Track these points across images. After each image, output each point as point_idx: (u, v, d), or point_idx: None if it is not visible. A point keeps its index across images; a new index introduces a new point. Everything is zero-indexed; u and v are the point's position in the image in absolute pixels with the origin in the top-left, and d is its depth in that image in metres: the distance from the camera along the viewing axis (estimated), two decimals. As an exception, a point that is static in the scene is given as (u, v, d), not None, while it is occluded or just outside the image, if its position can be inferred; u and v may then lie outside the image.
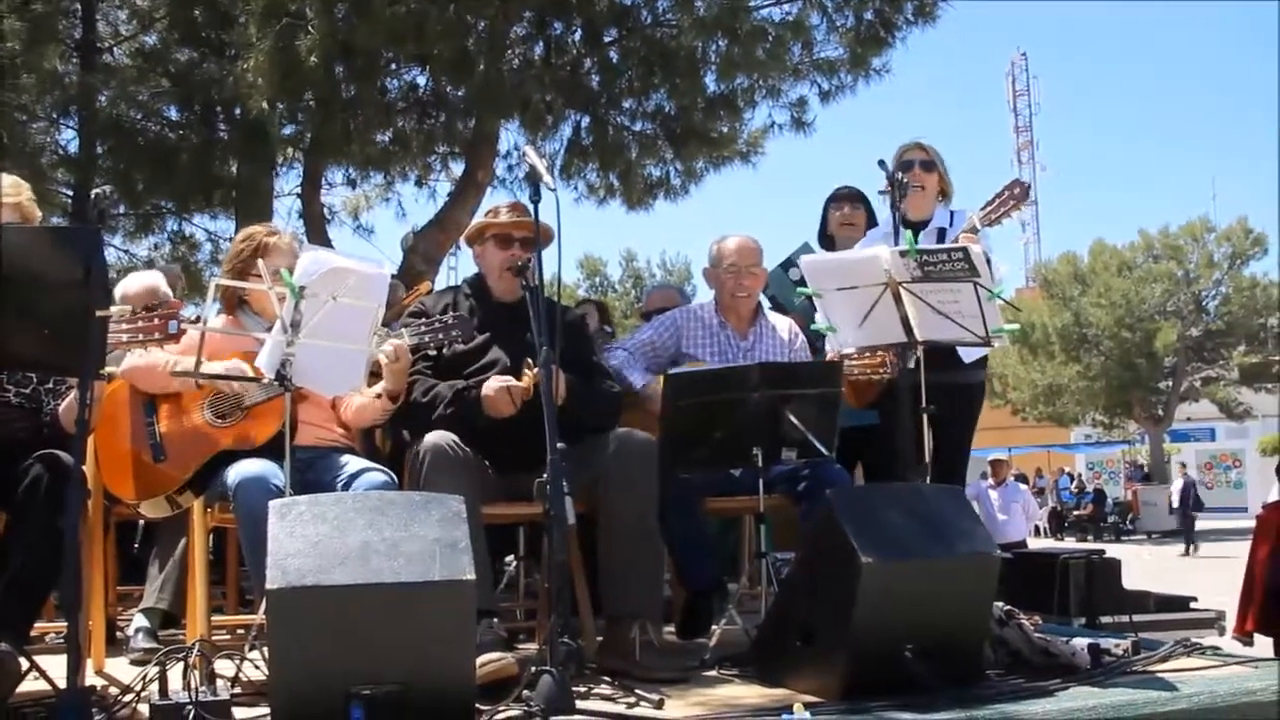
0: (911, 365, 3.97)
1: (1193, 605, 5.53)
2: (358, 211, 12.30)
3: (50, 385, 3.61)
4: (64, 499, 3.09)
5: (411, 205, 11.73)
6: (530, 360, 3.58)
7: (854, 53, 9.63)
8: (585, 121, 9.95)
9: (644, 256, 39.30)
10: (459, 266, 15.09)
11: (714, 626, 4.13)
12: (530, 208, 3.58)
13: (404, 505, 2.75)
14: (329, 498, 2.83)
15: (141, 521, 5.02)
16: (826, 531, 3.36)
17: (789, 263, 5.27)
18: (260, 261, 3.70)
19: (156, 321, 3.30)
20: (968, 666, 3.36)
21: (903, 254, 3.86)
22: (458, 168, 10.41)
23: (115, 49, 10.88)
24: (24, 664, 3.03)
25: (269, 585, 2.57)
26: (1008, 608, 3.74)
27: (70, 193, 10.44)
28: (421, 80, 9.77)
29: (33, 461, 3.22)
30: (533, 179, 3.31)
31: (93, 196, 3.14)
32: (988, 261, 3.88)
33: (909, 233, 3.95)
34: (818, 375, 4.13)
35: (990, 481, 13.08)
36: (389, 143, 9.61)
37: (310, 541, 2.61)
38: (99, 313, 2.95)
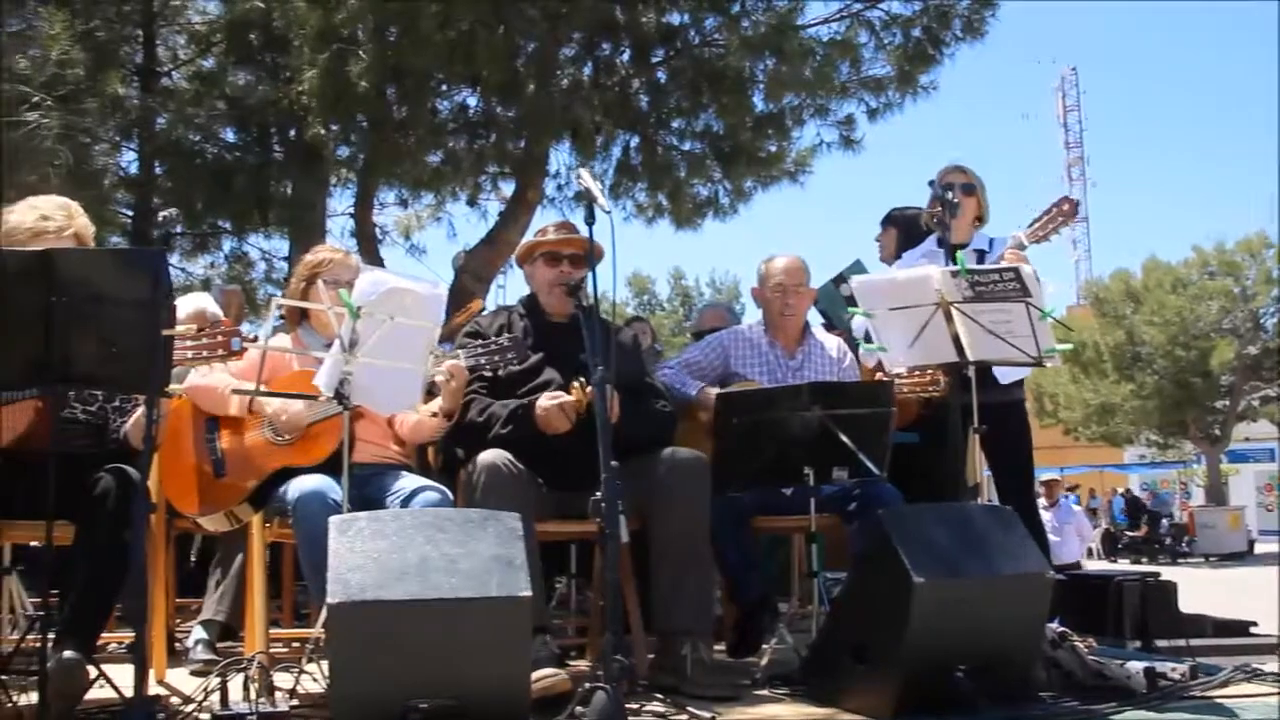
0: (962, 385, 3.98)
1: (1253, 630, 5.46)
2: (409, 231, 12.40)
3: (116, 404, 3.70)
4: (130, 512, 3.18)
5: (462, 225, 11.87)
6: (583, 378, 3.62)
7: (902, 70, 9.60)
8: (634, 141, 9.97)
9: (692, 275, 39.40)
10: (507, 285, 15.19)
11: (764, 645, 4.14)
12: (579, 225, 3.63)
13: (462, 522, 2.80)
14: (388, 514, 2.88)
15: (197, 535, 5.12)
16: (879, 551, 3.37)
17: (840, 278, 5.29)
18: (320, 282, 3.77)
19: (220, 339, 3.39)
20: (1020, 687, 3.36)
21: (954, 274, 3.87)
22: (508, 187, 10.46)
23: (174, 73, 11.09)
24: (92, 672, 3.10)
25: (330, 599, 2.62)
26: (1061, 629, 3.73)
27: (130, 213, 10.64)
28: (472, 101, 9.84)
29: (101, 475, 3.30)
30: (587, 201, 3.36)
31: (159, 218, 3.22)
32: (1037, 280, 3.88)
33: (960, 253, 3.96)
34: (869, 394, 4.14)
35: (1043, 502, 12.96)
36: (440, 163, 9.67)
37: (370, 556, 2.67)
38: (165, 332, 3.04)
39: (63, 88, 9.32)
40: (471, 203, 11.03)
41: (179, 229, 11.09)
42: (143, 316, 2.98)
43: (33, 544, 3.96)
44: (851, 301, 4.61)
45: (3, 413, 3.49)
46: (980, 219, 4.79)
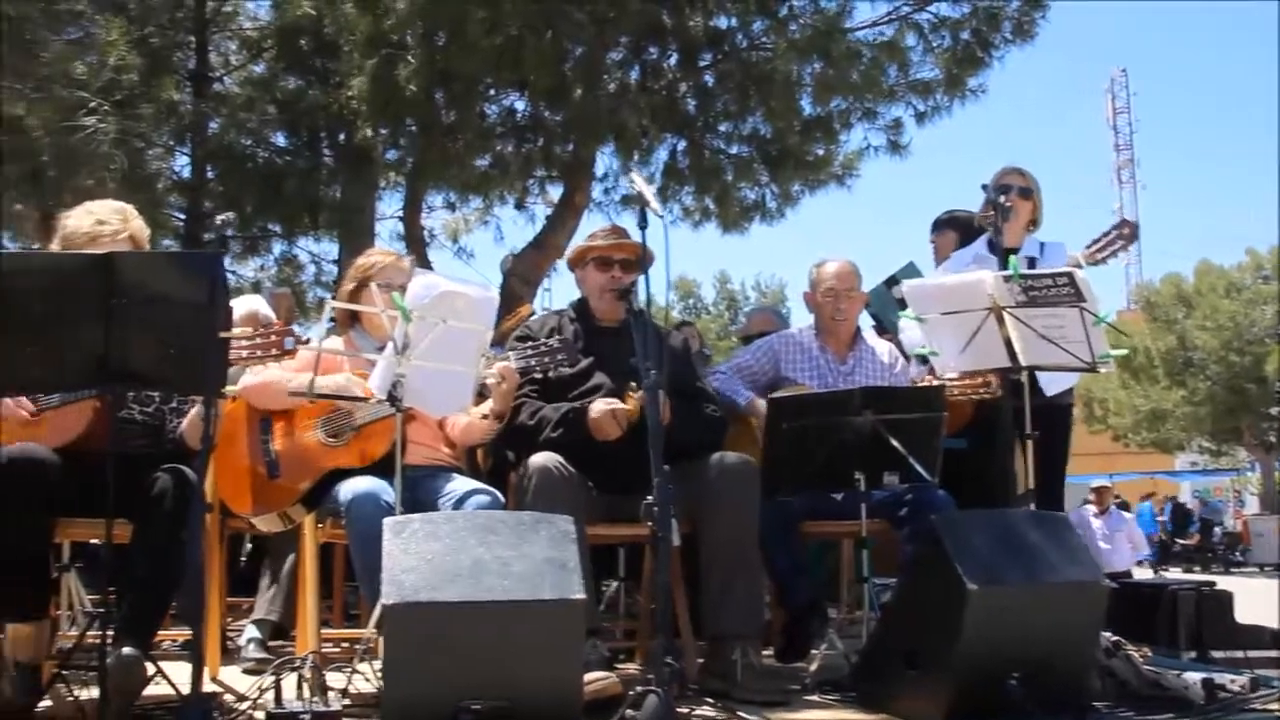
0: (1012, 390, 3.95)
1: (1314, 643, 5.36)
2: (457, 234, 12.48)
3: (173, 404, 3.75)
4: (187, 512, 3.22)
5: (510, 228, 11.88)
6: (634, 383, 3.63)
7: (950, 73, 9.54)
8: (681, 145, 9.98)
9: (738, 279, 39.29)
10: (553, 289, 15.24)
11: (813, 650, 4.12)
12: (629, 230, 3.64)
13: (515, 524, 2.81)
14: (442, 516, 2.90)
15: (248, 535, 5.17)
16: (931, 557, 3.36)
17: (893, 280, 5.26)
18: (374, 285, 3.80)
19: (273, 338, 3.43)
20: (1074, 696, 3.32)
21: (1007, 279, 3.85)
22: (555, 191, 10.52)
23: (226, 78, 11.24)
24: (150, 668, 3.14)
25: (385, 600, 2.64)
26: (1115, 638, 3.68)
27: (182, 216, 10.79)
28: (520, 105, 9.89)
29: (158, 475, 3.35)
30: (640, 205, 3.36)
31: (216, 221, 3.27)
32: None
33: (1014, 257, 3.93)
34: (921, 399, 4.11)
35: (1094, 509, 12.80)
36: (488, 167, 9.73)
37: (424, 558, 2.68)
38: (221, 334, 3.08)
39: (119, 93, 9.48)
40: (519, 206, 11.09)
41: (230, 232, 11.23)
42: (200, 318, 3.02)
43: (93, 542, 4.01)
44: (905, 304, 4.60)
45: (62, 413, 3.56)
46: (1034, 223, 4.75)
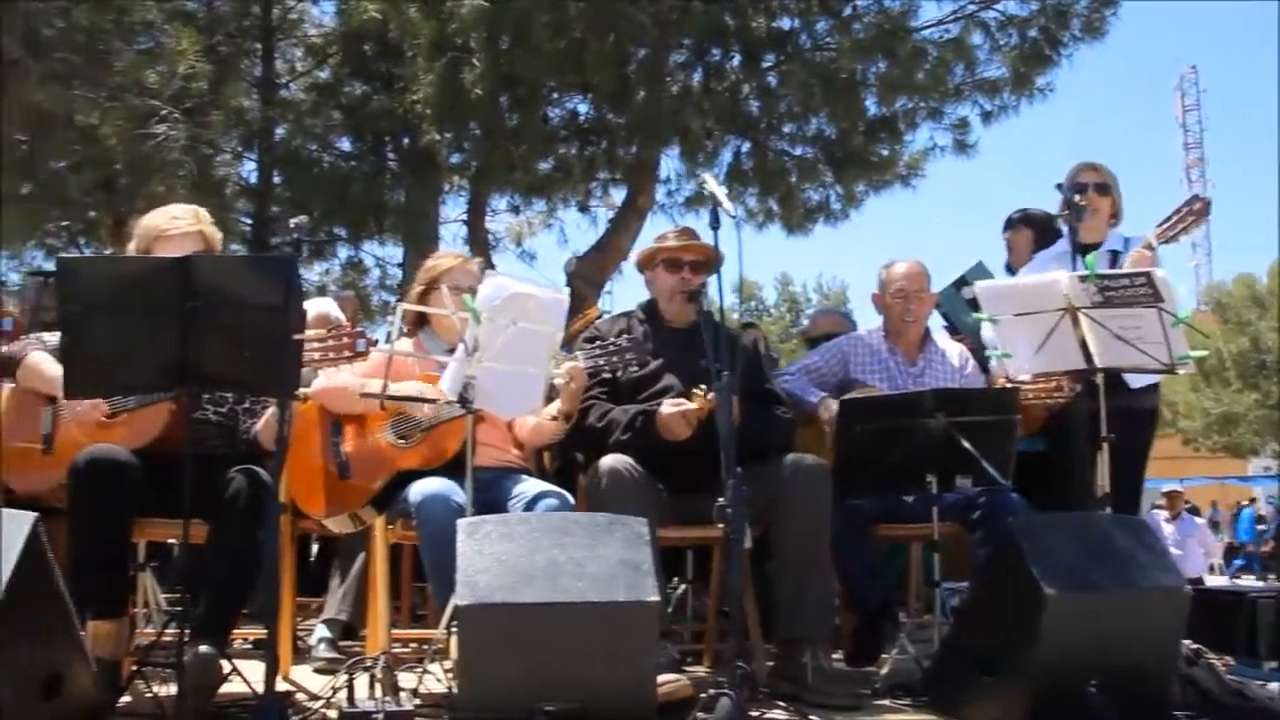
0: (1088, 391, 3.88)
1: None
2: (521, 237, 12.52)
3: (246, 405, 3.79)
4: (261, 512, 3.26)
5: (573, 231, 11.85)
6: (703, 384, 3.61)
7: (1017, 72, 9.42)
8: (745, 147, 9.94)
9: (799, 280, 39.13)
10: (614, 292, 15.24)
11: (884, 654, 4.08)
12: (699, 232, 3.62)
13: (588, 526, 2.81)
14: (515, 517, 2.90)
15: (315, 536, 5.22)
16: (1006, 561, 3.31)
17: (962, 281, 5.20)
18: (445, 287, 3.82)
19: (345, 340, 3.46)
20: (1155, 705, 3.26)
21: (1082, 279, 3.78)
22: (618, 194, 10.53)
23: (291, 85, 11.37)
24: (225, 667, 3.18)
25: (459, 601, 2.65)
26: (1195, 646, 3.60)
27: (250, 221, 10.93)
28: (583, 108, 9.91)
29: (233, 476, 3.39)
30: (712, 205, 3.35)
31: (291, 225, 3.31)
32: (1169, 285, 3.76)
33: (1089, 257, 3.87)
34: (994, 401, 4.06)
35: (1165, 514, 12.55)
36: (551, 169, 9.78)
37: (498, 559, 2.69)
38: (295, 336, 3.11)
39: (189, 101, 9.64)
40: (582, 209, 11.10)
41: (297, 236, 11.36)
42: (274, 321, 3.06)
43: (170, 541, 4.07)
44: (974, 305, 4.53)
45: (139, 415, 3.61)
46: (1116, 216, 4.66)
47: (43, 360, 3.70)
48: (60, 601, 2.86)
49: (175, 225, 3.65)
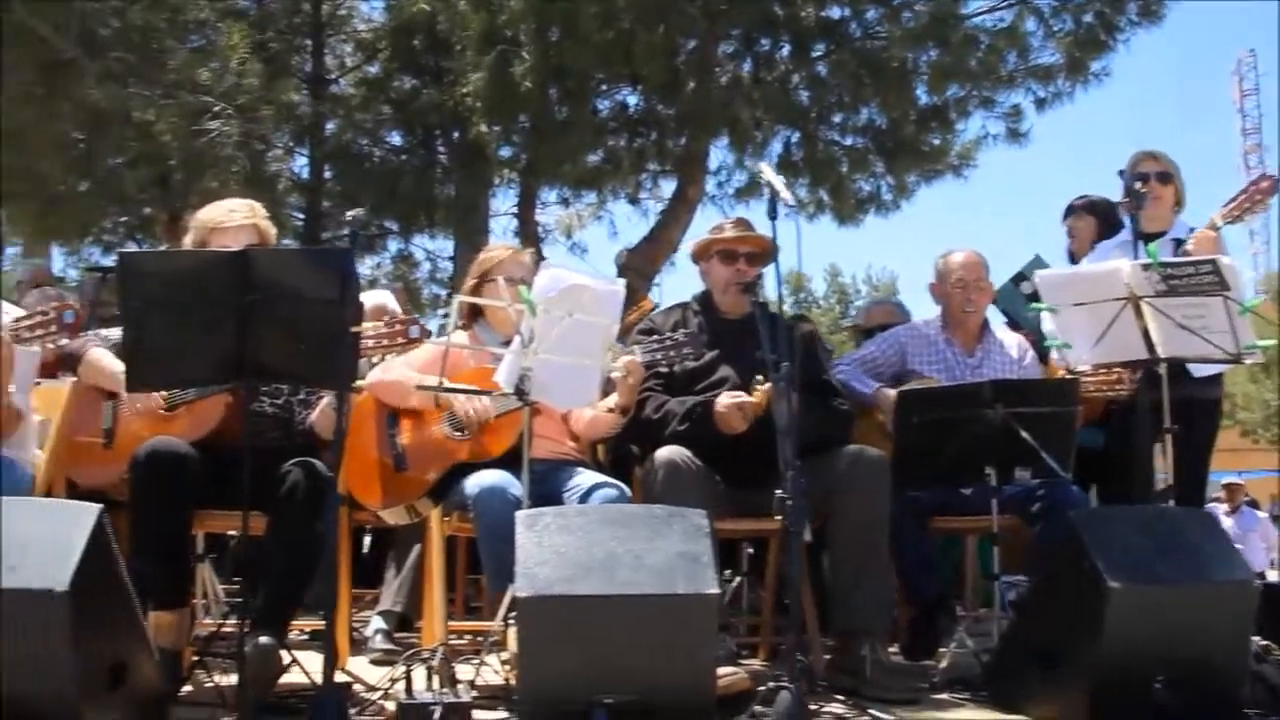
0: (1151, 382, 3.81)
1: None
2: (571, 230, 12.56)
3: (301, 396, 3.81)
4: (319, 504, 3.28)
5: (623, 223, 11.90)
6: (761, 376, 3.59)
7: (1072, 58, 9.28)
8: (795, 137, 9.89)
9: (848, 271, 38.92)
10: (663, 284, 15.23)
11: (942, 648, 4.04)
12: (754, 222, 3.59)
13: (647, 518, 2.80)
14: (573, 509, 2.90)
15: (368, 528, 5.24)
16: (1069, 554, 3.26)
17: (1020, 276, 5.13)
18: (501, 279, 3.82)
19: (399, 328, 3.47)
20: (1224, 702, 3.19)
21: (1145, 267, 3.71)
22: (668, 186, 10.53)
23: (341, 80, 11.46)
24: (285, 657, 3.20)
25: (518, 593, 2.65)
26: (1264, 642, 3.53)
27: (302, 216, 11.03)
28: (632, 100, 9.92)
29: (290, 468, 3.41)
30: (770, 195, 3.32)
31: (347, 218, 3.33)
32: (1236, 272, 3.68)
33: (1152, 245, 3.79)
34: (1054, 393, 3.99)
35: (1225, 507, 12.33)
36: (601, 161, 9.78)
37: (557, 551, 2.68)
38: (352, 329, 3.12)
39: (241, 97, 9.74)
40: (632, 201, 11.10)
41: (353, 229, 11.44)
42: (331, 313, 3.07)
43: (230, 533, 4.11)
44: (1032, 299, 4.47)
45: (196, 407, 3.65)
46: (1179, 204, 4.57)
47: (103, 356, 3.74)
48: (125, 592, 2.89)
49: (231, 218, 3.69)
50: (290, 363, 3.20)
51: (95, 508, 2.78)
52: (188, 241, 3.76)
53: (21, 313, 3.56)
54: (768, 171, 3.40)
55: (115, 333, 3.77)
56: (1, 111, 8.98)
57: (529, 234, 10.68)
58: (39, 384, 3.85)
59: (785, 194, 3.29)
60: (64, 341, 3.53)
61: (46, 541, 2.66)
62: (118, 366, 3.68)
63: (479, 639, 4.09)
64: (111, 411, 3.79)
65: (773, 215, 3.32)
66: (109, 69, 9.11)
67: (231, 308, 3.08)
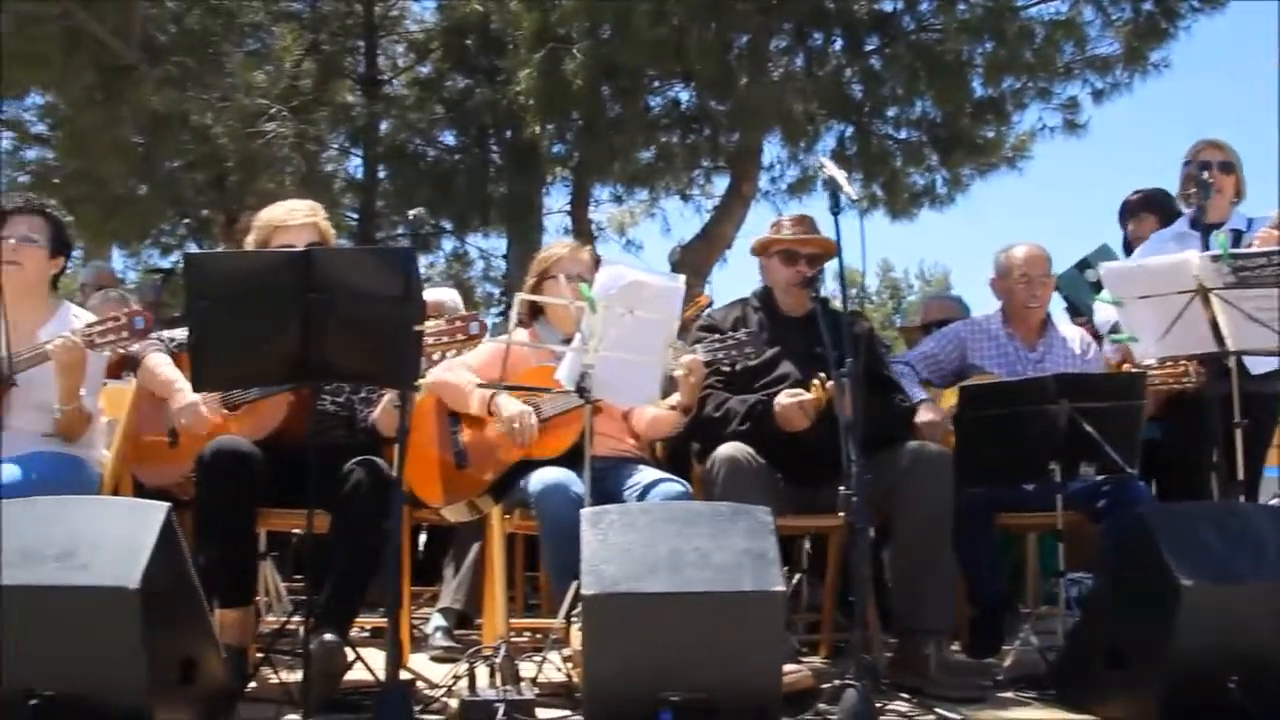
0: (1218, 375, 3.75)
1: None
2: (624, 227, 12.62)
3: (363, 394, 3.83)
4: (382, 502, 3.29)
5: (676, 220, 12.00)
6: (822, 374, 3.56)
7: (1130, 47, 9.15)
8: (848, 131, 9.83)
9: (901, 267, 38.61)
10: (714, 279, 15.22)
11: (1006, 646, 4.00)
12: (815, 218, 3.56)
13: (711, 516, 2.78)
14: (637, 507, 2.89)
15: (424, 525, 5.26)
16: (1138, 551, 3.20)
17: (1085, 263, 5.05)
18: (563, 277, 3.82)
19: (458, 324, 3.48)
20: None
21: (1214, 259, 3.64)
22: (721, 182, 10.51)
23: (394, 80, 11.55)
24: (349, 654, 3.22)
25: (585, 590, 2.64)
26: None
27: (356, 216, 11.14)
28: (684, 96, 9.91)
29: (353, 466, 3.43)
30: (832, 189, 3.30)
31: (410, 216, 3.33)
32: None
33: (1222, 236, 3.72)
34: (1120, 387, 3.93)
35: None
36: (653, 159, 9.78)
37: (622, 549, 2.68)
38: (415, 327, 3.13)
39: (296, 99, 9.85)
40: (685, 198, 11.10)
41: (400, 230, 11.55)
42: (395, 312, 3.08)
43: (295, 531, 4.14)
44: (1098, 287, 4.40)
45: (259, 406, 3.68)
46: (1239, 194, 4.49)
47: (160, 363, 3.78)
48: (193, 590, 2.92)
49: (293, 217, 3.73)
50: (354, 361, 3.21)
51: (164, 506, 2.81)
52: (250, 240, 3.80)
53: (93, 318, 3.62)
54: (830, 166, 3.37)
55: (179, 333, 3.81)
56: (66, 117, 9.15)
57: (582, 231, 10.72)
58: (105, 385, 3.91)
59: (848, 188, 3.26)
60: (134, 347, 3.58)
61: (117, 539, 2.70)
62: (172, 375, 3.71)
63: (536, 636, 4.11)
64: (176, 411, 3.83)
65: (835, 210, 3.29)
66: (168, 74, 9.25)
67: (296, 307, 3.08)
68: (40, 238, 3.71)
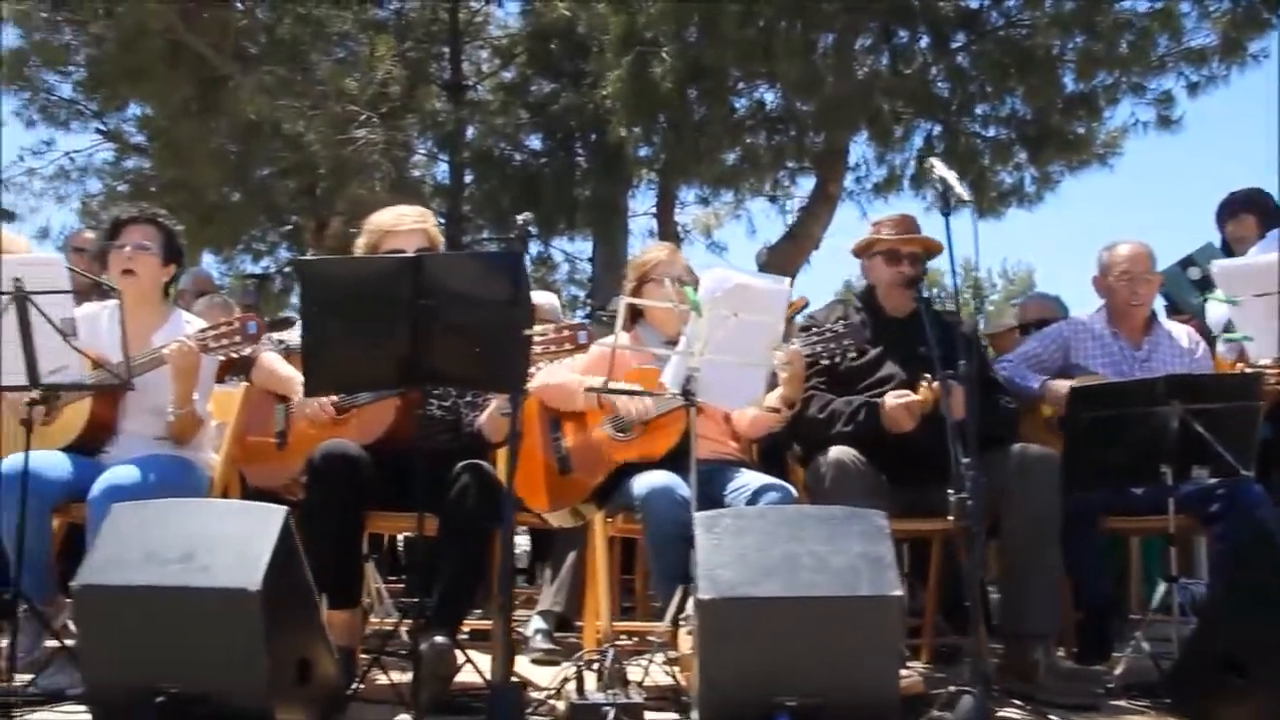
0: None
1: None
2: (709, 228, 12.59)
3: (468, 399, 3.87)
4: (489, 506, 3.32)
5: (761, 221, 12.00)
6: (928, 375, 3.53)
7: (1228, 38, 8.90)
8: (936, 130, 9.72)
9: (983, 265, 37.98)
10: (796, 281, 15.16)
11: (1116, 653, 3.92)
12: (917, 218, 3.52)
13: (825, 519, 2.76)
14: (751, 511, 2.88)
15: (522, 529, 5.29)
16: (1259, 555, 3.13)
17: (1188, 261, 4.94)
18: (667, 280, 3.82)
19: (566, 333, 3.49)
20: None
21: (1334, 256, 3.54)
22: (806, 183, 10.45)
23: (479, 86, 11.65)
24: (459, 657, 3.26)
25: (700, 595, 2.64)
26: None
27: (443, 220, 11.27)
28: (769, 97, 9.87)
29: (460, 471, 3.46)
30: (942, 190, 3.26)
31: (517, 220, 3.35)
32: None
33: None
34: (1235, 387, 3.82)
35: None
36: (739, 160, 9.75)
37: (736, 553, 2.67)
38: (524, 332, 3.15)
39: (385, 106, 9.98)
40: (770, 199, 11.05)
41: (487, 234, 11.65)
42: (503, 317, 3.10)
43: (401, 534, 4.20)
44: (1201, 285, 4.31)
45: (368, 410, 3.73)
46: None
47: (276, 361, 3.86)
48: (308, 591, 2.97)
49: (402, 222, 3.77)
50: (463, 366, 3.22)
51: (282, 510, 2.86)
52: (360, 244, 3.85)
53: (204, 323, 3.70)
54: (939, 166, 3.33)
55: (286, 335, 3.88)
56: (163, 128, 9.39)
57: (668, 234, 10.74)
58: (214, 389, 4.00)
59: (959, 188, 3.22)
60: (247, 351, 3.65)
61: (237, 542, 2.75)
62: (289, 371, 3.79)
63: (634, 639, 4.11)
64: (284, 414, 3.91)
65: (945, 211, 3.26)
66: (261, 82, 9.43)
67: (406, 312, 3.12)
68: (154, 246, 3.81)
